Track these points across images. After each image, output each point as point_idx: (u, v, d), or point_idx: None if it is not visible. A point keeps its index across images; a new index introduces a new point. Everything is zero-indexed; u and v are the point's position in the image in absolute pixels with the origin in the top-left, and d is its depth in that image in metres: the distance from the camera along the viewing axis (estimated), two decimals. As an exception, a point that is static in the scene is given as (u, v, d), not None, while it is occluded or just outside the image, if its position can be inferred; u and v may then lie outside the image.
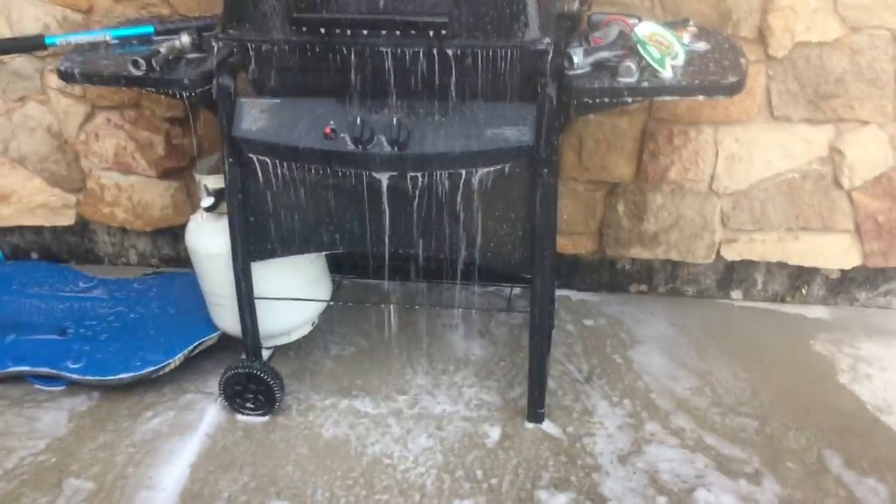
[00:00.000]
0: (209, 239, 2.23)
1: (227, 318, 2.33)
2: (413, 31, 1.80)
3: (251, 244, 2.14)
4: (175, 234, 2.92)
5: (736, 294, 2.78)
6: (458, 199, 2.00)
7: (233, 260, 2.16)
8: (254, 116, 2.00)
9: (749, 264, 2.72)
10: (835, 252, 2.63)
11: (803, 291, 2.74)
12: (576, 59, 1.91)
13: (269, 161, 2.03)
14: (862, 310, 2.74)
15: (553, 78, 1.91)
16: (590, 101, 1.88)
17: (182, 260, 2.90)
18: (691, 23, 2.11)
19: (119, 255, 3.02)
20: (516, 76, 1.92)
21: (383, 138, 1.94)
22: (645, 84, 1.86)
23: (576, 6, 2.13)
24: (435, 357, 2.53)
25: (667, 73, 1.88)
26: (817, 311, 2.75)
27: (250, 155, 2.03)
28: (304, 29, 1.85)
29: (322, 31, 1.83)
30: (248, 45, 1.92)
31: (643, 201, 2.64)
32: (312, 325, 2.44)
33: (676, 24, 2.11)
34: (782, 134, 2.49)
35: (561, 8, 2.04)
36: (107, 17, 2.55)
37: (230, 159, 2.05)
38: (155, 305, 2.63)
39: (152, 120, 2.70)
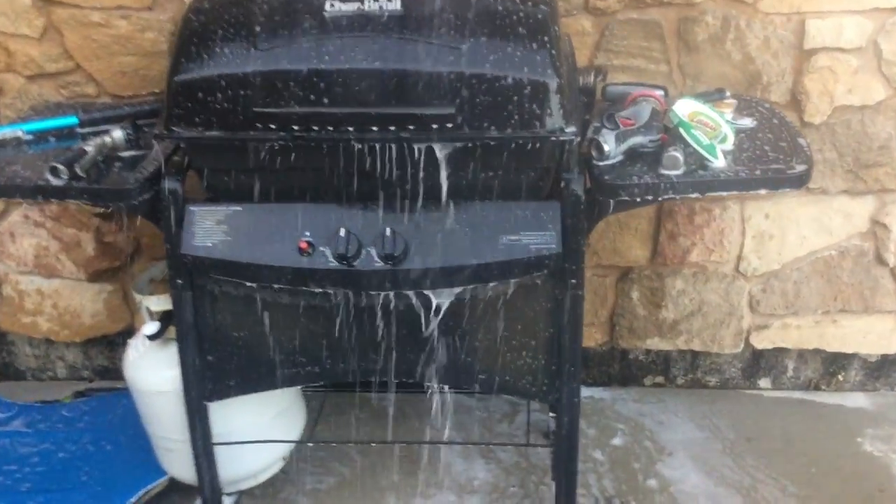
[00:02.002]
0: (154, 373, 1.80)
1: (179, 463, 1.90)
2: (411, 127, 1.43)
3: (208, 382, 1.72)
4: (110, 342, 2.47)
5: (764, 382, 2.46)
6: (467, 318, 1.63)
7: (185, 402, 1.74)
8: (208, 229, 1.59)
9: (779, 350, 2.39)
10: (877, 335, 2.33)
11: (840, 378, 2.43)
12: (606, 148, 1.56)
13: (228, 284, 1.63)
14: (905, 395, 2.45)
15: (580, 172, 1.56)
16: (628, 199, 1.53)
17: (120, 371, 2.45)
18: (728, 94, 1.79)
19: (44, 368, 2.55)
20: (535, 171, 1.57)
21: (373, 251, 1.55)
22: (696, 178, 1.52)
23: (591, 78, 1.79)
24: (432, 484, 2.13)
25: (719, 163, 1.54)
26: (857, 399, 2.43)
27: (205, 277, 1.63)
28: (272, 126, 1.46)
29: (294, 128, 1.45)
30: (200, 145, 1.52)
31: (661, 287, 2.30)
32: (283, 460, 2.03)
33: (711, 96, 1.78)
34: (818, 207, 2.18)
35: (578, 83, 1.70)
36: (20, 100, 2.12)
37: (178, 281, 1.64)
38: (88, 439, 2.18)
39: (79, 215, 2.26)
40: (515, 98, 1.44)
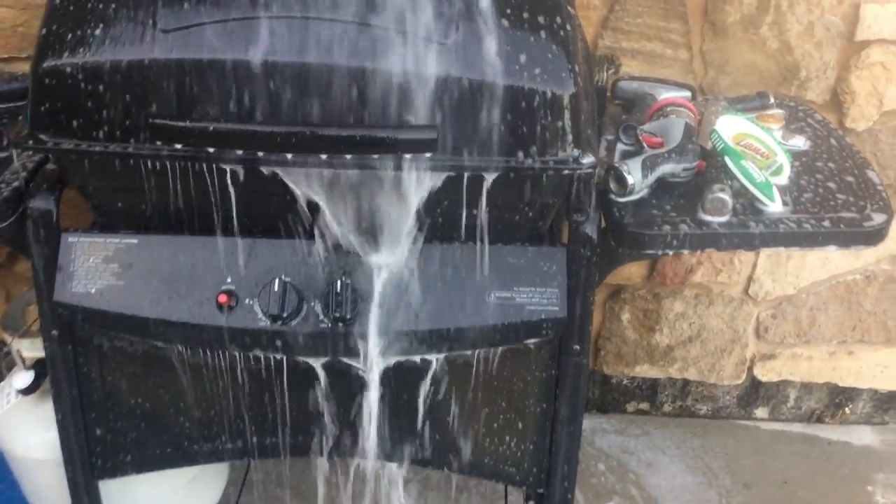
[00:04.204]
0: (31, 434, 1.40)
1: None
2: (374, 156, 1.02)
3: (96, 459, 1.33)
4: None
5: (761, 412, 2.16)
6: (435, 388, 1.26)
7: (68, 480, 1.34)
8: (92, 268, 1.18)
9: (783, 380, 2.09)
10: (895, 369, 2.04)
11: (846, 410, 2.15)
12: (630, 180, 1.18)
13: (121, 341, 1.22)
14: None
15: (594, 209, 1.18)
16: (656, 252, 1.16)
17: None
18: (772, 99, 1.42)
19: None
20: (534, 209, 1.18)
21: (318, 308, 1.16)
22: (748, 230, 1.15)
23: (604, 74, 1.40)
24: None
25: (776, 206, 1.18)
26: (864, 435, 2.15)
27: (89, 329, 1.22)
28: (178, 140, 1.04)
29: (210, 148, 1.03)
30: (80, 158, 1.09)
31: (656, 309, 1.96)
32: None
33: (750, 103, 1.41)
34: (847, 226, 1.85)
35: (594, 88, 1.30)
36: None
37: (53, 333, 1.22)
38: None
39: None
40: (517, 115, 1.05)
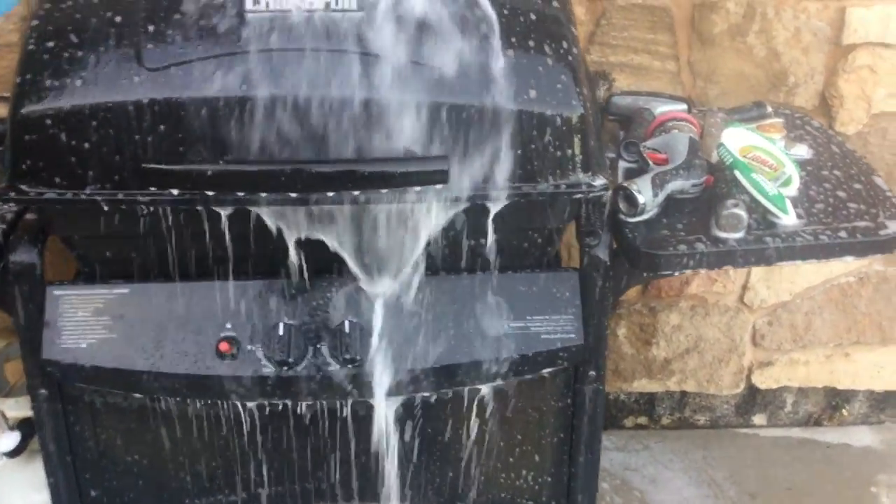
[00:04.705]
0: (19, 500, 1.32)
1: None
2: (382, 190, 0.97)
3: (94, 521, 1.26)
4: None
5: (759, 419, 2.14)
6: (445, 423, 1.21)
7: (62, 546, 1.26)
8: (81, 322, 1.11)
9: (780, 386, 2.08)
10: (894, 369, 2.03)
11: (844, 413, 2.14)
12: (641, 199, 1.14)
13: (115, 397, 1.16)
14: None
15: (606, 231, 1.14)
16: (672, 273, 1.13)
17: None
18: (769, 108, 1.40)
19: None
20: (542, 235, 1.15)
21: (324, 350, 1.11)
22: (764, 244, 1.12)
23: (599, 91, 1.37)
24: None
25: (790, 219, 1.16)
26: (863, 436, 2.14)
27: (79, 387, 1.15)
28: (171, 186, 0.98)
29: (204, 191, 0.97)
30: (66, 208, 1.03)
31: (653, 323, 1.93)
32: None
33: (748, 113, 1.39)
34: (839, 229, 1.84)
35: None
36: None
37: (42, 392, 1.15)
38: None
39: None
40: (526, 140, 1.01)
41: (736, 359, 1.99)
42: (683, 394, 2.09)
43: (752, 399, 2.10)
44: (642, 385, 2.02)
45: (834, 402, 2.13)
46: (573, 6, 1.28)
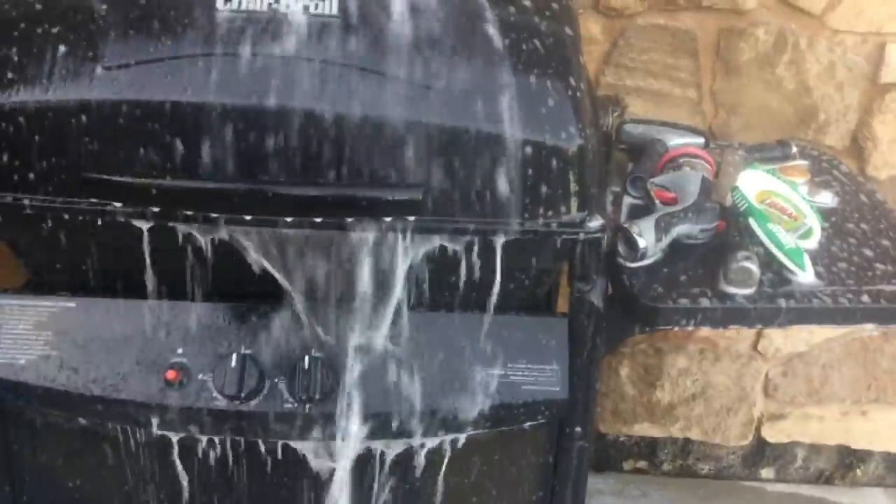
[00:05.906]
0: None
1: None
2: (348, 219, 0.87)
3: (30, 548, 1.17)
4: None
5: (766, 472, 2.01)
6: (414, 475, 1.11)
7: (-5, 572, 1.18)
8: (20, 336, 1.02)
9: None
10: (913, 431, 1.90)
11: (858, 472, 2.00)
12: (641, 243, 1.03)
13: (55, 417, 1.07)
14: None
15: (601, 275, 1.03)
16: (671, 328, 1.02)
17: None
18: (794, 148, 1.28)
19: None
20: (530, 276, 1.04)
21: (282, 386, 1.01)
22: (776, 305, 1.00)
23: (609, 118, 1.26)
24: None
25: (807, 276, 1.04)
26: (876, 499, 2.00)
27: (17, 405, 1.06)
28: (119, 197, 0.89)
29: (155, 207, 0.88)
30: (9, 213, 0.94)
31: (658, 364, 1.81)
32: None
33: (770, 152, 1.27)
34: (865, 279, 1.72)
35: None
36: None
37: (-23, 408, 1.07)
38: None
39: None
40: (514, 171, 0.90)
41: (746, 409, 1.87)
42: (687, 440, 1.97)
43: (761, 451, 1.98)
44: (644, 429, 1.91)
45: (848, 461, 1.99)
46: (585, 24, 1.18)
